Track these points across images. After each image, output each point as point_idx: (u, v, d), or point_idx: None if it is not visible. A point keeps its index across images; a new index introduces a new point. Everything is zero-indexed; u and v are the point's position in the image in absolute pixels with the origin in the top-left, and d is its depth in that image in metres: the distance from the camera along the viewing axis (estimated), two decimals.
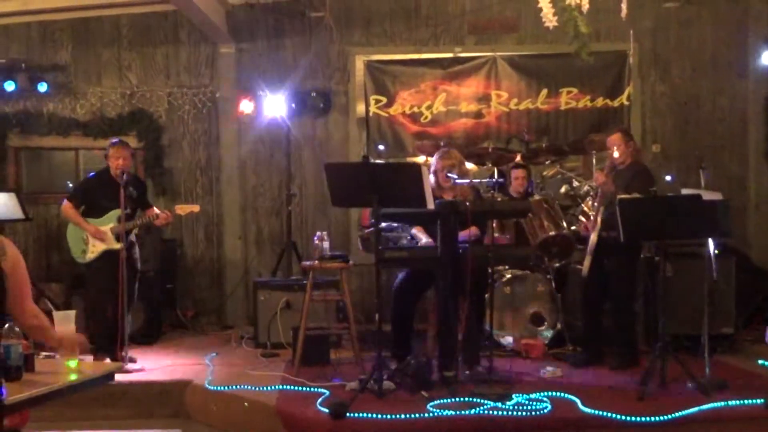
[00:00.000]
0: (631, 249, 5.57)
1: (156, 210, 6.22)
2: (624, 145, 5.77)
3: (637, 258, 5.82)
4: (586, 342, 5.93)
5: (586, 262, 5.73)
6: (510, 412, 4.54)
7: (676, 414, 4.42)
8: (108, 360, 5.72)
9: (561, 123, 8.02)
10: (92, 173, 6.39)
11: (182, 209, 6.20)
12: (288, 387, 5.21)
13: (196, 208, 6.30)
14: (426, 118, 8.05)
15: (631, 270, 5.76)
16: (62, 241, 6.43)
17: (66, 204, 6.16)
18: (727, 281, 6.05)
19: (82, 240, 6.08)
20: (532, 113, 8.03)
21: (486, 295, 5.55)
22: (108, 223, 6.03)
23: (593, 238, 5.63)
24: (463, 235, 5.29)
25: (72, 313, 3.46)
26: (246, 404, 5.04)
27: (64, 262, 7.69)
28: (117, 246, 5.88)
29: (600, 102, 8.02)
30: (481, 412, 4.55)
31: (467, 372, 5.33)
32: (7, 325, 3.15)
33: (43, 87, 7.72)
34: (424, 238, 5.68)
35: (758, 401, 4.59)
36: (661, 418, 4.39)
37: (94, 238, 6.02)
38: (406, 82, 8.05)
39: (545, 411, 4.56)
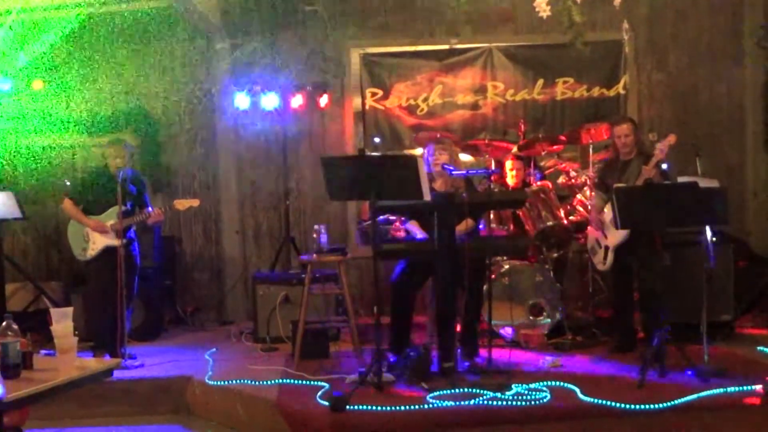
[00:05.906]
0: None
1: (150, 209, 6.21)
2: (633, 135, 5.83)
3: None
4: (619, 330, 5.94)
5: (610, 257, 5.77)
6: (509, 402, 4.55)
7: (676, 401, 4.42)
8: (108, 356, 5.74)
9: (557, 113, 8.03)
10: (91, 171, 6.37)
11: (181, 204, 6.15)
12: (288, 381, 5.22)
13: (195, 202, 6.23)
14: (422, 110, 8.06)
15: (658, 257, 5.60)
16: (61, 239, 6.43)
17: (66, 201, 6.15)
18: (725, 269, 6.05)
19: (82, 237, 6.07)
20: (529, 104, 8.04)
21: (484, 286, 5.56)
22: (108, 220, 6.02)
23: (621, 232, 5.59)
24: (458, 230, 5.30)
25: (69, 309, 3.47)
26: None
27: (63, 260, 7.71)
28: (117, 242, 5.87)
29: (596, 91, 8.02)
30: (481, 402, 4.56)
31: (466, 363, 5.34)
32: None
33: (38, 85, 7.70)
34: (419, 234, 5.69)
35: (757, 387, 4.59)
36: (661, 405, 4.39)
37: (95, 233, 6.01)
38: (402, 75, 8.05)
39: (544, 400, 4.56)
